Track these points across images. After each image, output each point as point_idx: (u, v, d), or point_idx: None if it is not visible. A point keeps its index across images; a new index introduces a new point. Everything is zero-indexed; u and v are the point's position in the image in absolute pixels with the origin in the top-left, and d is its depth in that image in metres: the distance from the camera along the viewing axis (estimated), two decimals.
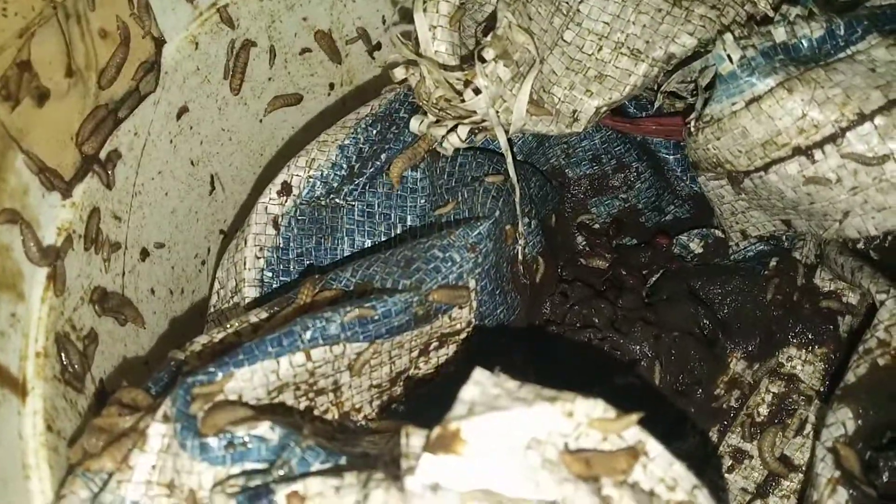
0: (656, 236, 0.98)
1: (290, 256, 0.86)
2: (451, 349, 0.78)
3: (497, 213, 0.79)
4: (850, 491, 0.61)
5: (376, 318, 0.68)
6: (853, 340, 0.82)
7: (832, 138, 0.67)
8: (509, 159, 0.81)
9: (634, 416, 0.53)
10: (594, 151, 1.00)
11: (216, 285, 0.88)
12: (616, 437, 0.53)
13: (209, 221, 0.98)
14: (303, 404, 0.68)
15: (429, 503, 0.48)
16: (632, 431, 0.54)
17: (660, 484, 0.54)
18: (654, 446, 0.54)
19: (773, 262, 0.89)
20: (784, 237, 0.92)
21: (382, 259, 0.75)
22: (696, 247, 0.98)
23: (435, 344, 0.76)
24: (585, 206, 1.02)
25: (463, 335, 0.78)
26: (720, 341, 0.87)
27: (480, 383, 0.54)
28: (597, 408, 0.53)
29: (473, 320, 0.78)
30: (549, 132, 0.81)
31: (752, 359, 0.87)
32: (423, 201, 0.89)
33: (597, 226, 1.01)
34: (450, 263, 0.73)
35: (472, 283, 0.75)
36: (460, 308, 0.76)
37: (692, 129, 0.76)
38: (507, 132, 0.80)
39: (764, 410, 0.86)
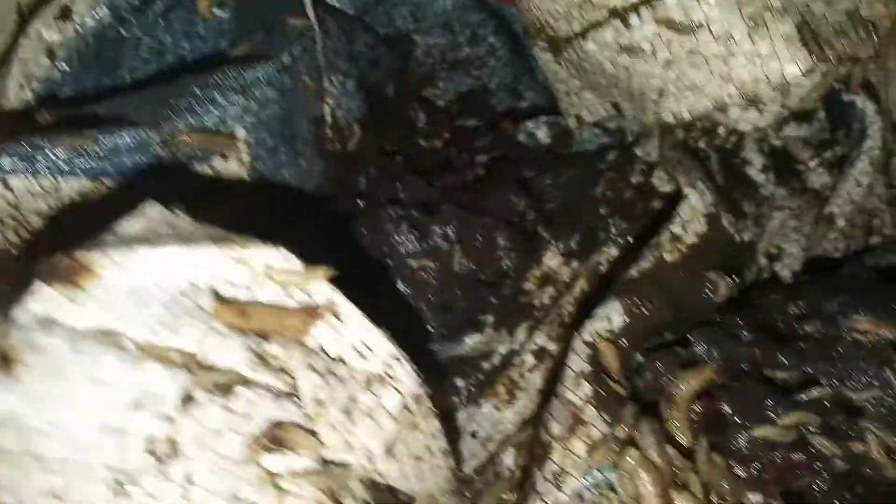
0: (502, 120, 0.89)
1: (64, 93, 0.75)
2: (222, 205, 0.69)
3: (288, 58, 0.69)
4: (596, 388, 0.55)
5: (100, 152, 0.58)
6: None
7: (647, 0, 0.58)
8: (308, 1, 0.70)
9: (321, 271, 0.46)
10: (446, 18, 0.89)
11: None
12: (301, 294, 0.46)
13: None
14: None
15: (35, 338, 0.41)
16: (322, 290, 0.47)
17: (351, 351, 0.47)
18: (347, 309, 0.47)
19: (610, 156, 0.81)
20: (629, 132, 0.83)
21: (139, 94, 0.65)
22: (543, 136, 0.89)
23: (200, 198, 0.67)
24: (433, 79, 0.92)
25: (238, 192, 0.69)
26: (539, 235, 0.80)
27: (148, 217, 0.46)
28: (276, 257, 0.45)
29: (246, 177, 0.69)
30: None
31: (571, 256, 0.80)
32: (226, 45, 0.78)
33: (441, 103, 0.91)
34: (209, 104, 0.64)
35: (240, 132, 0.66)
36: (223, 158, 0.67)
37: None
38: None
39: (574, 312, 0.79)
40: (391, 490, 0.54)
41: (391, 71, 0.88)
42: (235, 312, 0.43)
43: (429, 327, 0.76)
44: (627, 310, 0.58)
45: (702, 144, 0.77)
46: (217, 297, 0.43)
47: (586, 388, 0.55)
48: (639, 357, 0.59)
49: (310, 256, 0.47)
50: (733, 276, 0.61)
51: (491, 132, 0.88)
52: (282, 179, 0.72)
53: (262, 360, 0.44)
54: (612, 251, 0.81)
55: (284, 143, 0.71)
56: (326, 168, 0.77)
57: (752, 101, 0.59)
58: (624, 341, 0.58)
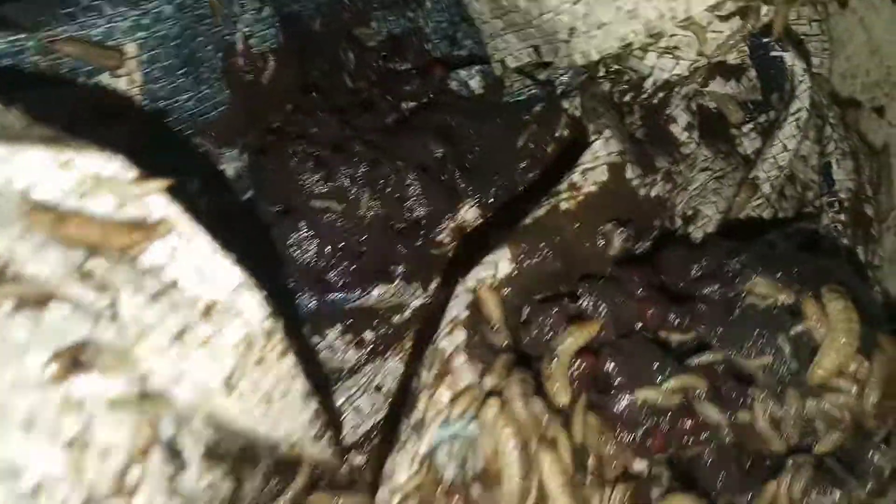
0: (434, 65, 0.85)
1: None
2: (112, 127, 0.65)
3: None
4: (470, 336, 0.52)
5: None
6: None
7: None
8: None
9: (156, 182, 0.42)
10: None
11: None
12: (136, 207, 0.43)
13: None
14: None
15: None
16: (159, 204, 0.43)
17: (191, 274, 0.44)
18: (188, 228, 0.43)
19: (537, 108, 0.77)
20: (557, 84, 0.80)
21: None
22: (475, 85, 0.85)
23: (87, 116, 0.63)
24: (366, 17, 0.88)
25: (128, 113, 0.65)
26: (456, 185, 0.76)
27: None
28: (110, 165, 0.42)
29: (141, 98, 0.65)
30: None
31: (487, 208, 0.76)
32: None
33: (372, 43, 0.87)
34: (95, 14, 0.60)
35: (130, 48, 0.62)
36: (113, 74, 0.62)
37: None
38: None
39: None
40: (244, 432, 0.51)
41: (319, 3, 0.83)
42: (53, 220, 0.40)
43: (332, 274, 0.73)
44: (516, 258, 0.55)
45: (627, 98, 0.74)
46: (32, 201, 0.40)
47: (460, 336, 0.52)
48: (526, 307, 0.57)
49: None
50: (629, 229, 0.57)
51: (420, 78, 0.84)
52: (180, 105, 0.68)
53: (83, 274, 0.41)
54: (531, 206, 0.78)
55: (184, 65, 0.66)
56: (235, 99, 0.73)
57: (666, 48, 0.56)
58: (510, 290, 0.55)
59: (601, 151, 0.58)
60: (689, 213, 0.69)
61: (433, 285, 0.78)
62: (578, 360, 0.55)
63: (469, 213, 0.77)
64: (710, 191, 0.69)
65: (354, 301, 0.75)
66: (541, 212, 0.57)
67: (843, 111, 0.78)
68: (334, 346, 0.78)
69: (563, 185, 0.58)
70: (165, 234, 0.43)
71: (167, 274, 0.43)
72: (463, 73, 0.85)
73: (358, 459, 0.75)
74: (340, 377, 0.79)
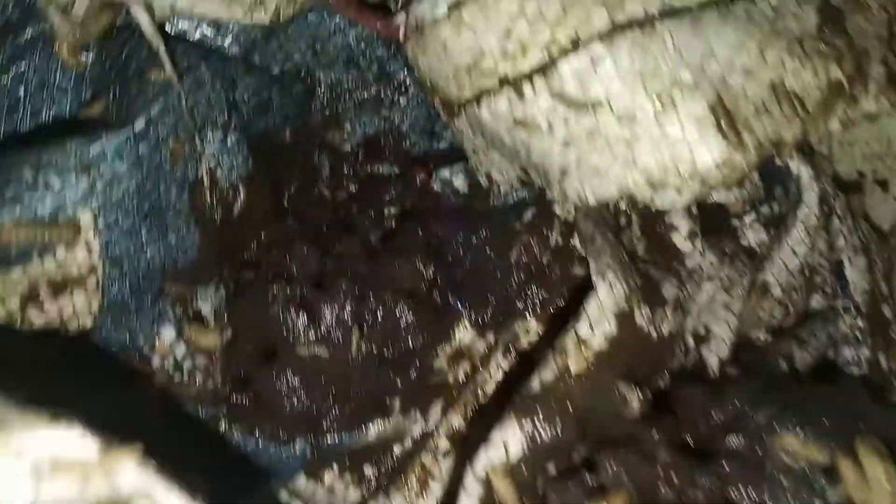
0: (415, 167, 0.81)
1: None
2: (76, 300, 0.60)
3: (142, 124, 0.59)
4: None
5: None
6: None
7: (542, 70, 0.49)
8: (160, 48, 0.60)
9: (125, 453, 0.37)
10: (349, 52, 0.80)
11: None
12: (104, 483, 0.38)
13: None
14: None
15: None
16: (130, 475, 0.38)
17: None
18: (166, 495, 0.39)
19: (528, 215, 0.73)
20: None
21: None
22: (460, 184, 0.80)
23: (47, 292, 0.58)
24: (338, 121, 0.83)
25: (91, 282, 0.60)
26: (449, 305, 0.72)
27: None
28: (67, 442, 0.37)
29: (98, 264, 0.59)
30: (227, 18, 0.61)
31: (484, 328, 0.72)
32: (89, 96, 0.68)
33: (347, 147, 0.82)
34: (42, 190, 0.54)
35: (85, 217, 0.57)
36: (69, 249, 0.57)
37: (401, 36, 0.57)
38: (152, 11, 0.59)
39: (491, 390, 0.72)
40: None
41: (286, 114, 0.78)
42: None
43: (325, 421, 0.68)
44: (526, 433, 0.51)
45: (623, 206, 0.70)
46: None
47: None
48: (542, 483, 0.53)
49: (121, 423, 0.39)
50: (647, 387, 0.53)
51: (402, 181, 0.79)
52: (150, 262, 0.62)
53: None
54: (531, 323, 0.74)
55: (146, 220, 0.61)
56: (205, 238, 0.67)
57: (663, 188, 0.52)
58: (524, 468, 0.51)
59: (607, 301, 0.53)
60: (701, 331, 0.65)
61: (433, 412, 0.74)
62: None
63: (465, 336, 0.72)
64: (720, 305, 0.65)
65: (351, 442, 0.71)
66: (548, 375, 0.52)
67: (848, 197, 0.74)
68: (334, 488, 0.73)
69: (570, 341, 0.53)
70: None
71: None
72: (445, 172, 0.80)
73: None
74: None
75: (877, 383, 0.63)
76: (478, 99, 0.54)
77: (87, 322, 0.61)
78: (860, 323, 0.66)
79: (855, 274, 0.68)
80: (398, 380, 0.70)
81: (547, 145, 0.52)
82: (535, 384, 0.53)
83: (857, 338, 0.65)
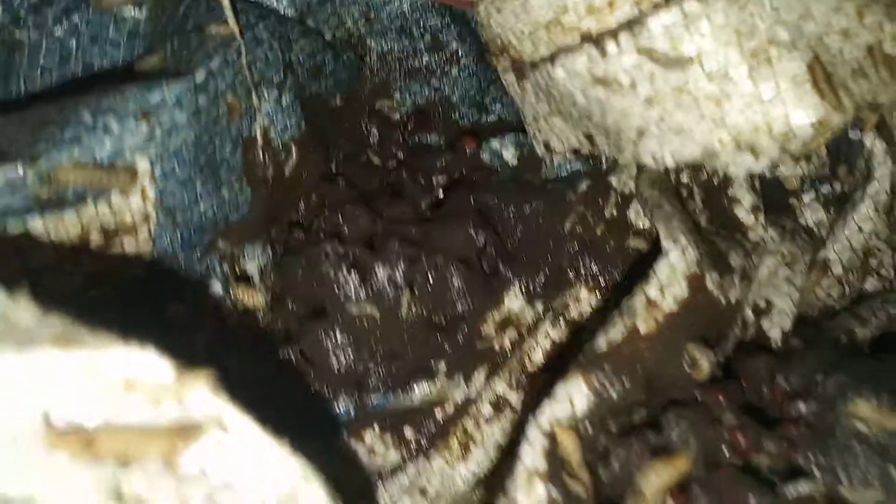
0: (464, 137, 0.80)
1: None
2: (127, 247, 0.60)
3: (203, 75, 0.59)
4: (549, 486, 0.46)
5: None
6: None
7: (629, 25, 0.48)
8: (226, 2, 0.59)
9: (199, 378, 0.36)
10: (402, 21, 0.79)
11: None
12: (175, 405, 0.37)
13: None
14: None
15: None
16: (201, 399, 0.37)
17: (242, 472, 0.38)
18: (238, 421, 0.37)
19: (582, 187, 0.71)
20: (604, 158, 0.74)
21: (19, 116, 0.55)
22: (510, 156, 0.79)
23: (99, 238, 0.57)
24: (388, 90, 0.82)
25: (143, 231, 0.59)
26: (499, 273, 0.71)
27: None
28: (141, 361, 0.36)
29: (153, 213, 0.59)
30: None
31: (534, 297, 0.70)
32: (142, 51, 0.67)
33: (396, 116, 0.81)
34: (101, 133, 0.53)
35: (142, 165, 0.56)
36: (124, 195, 0.57)
37: None
38: None
39: (538, 358, 0.71)
40: None
41: (338, 80, 0.77)
42: (79, 444, 0.34)
43: (370, 380, 0.67)
44: (593, 389, 0.50)
45: (685, 179, 0.68)
46: (53, 427, 0.34)
47: (539, 490, 0.46)
48: (604, 441, 0.51)
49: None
50: (717, 350, 0.52)
51: (451, 151, 0.78)
52: (202, 215, 0.62)
53: (118, 496, 0.35)
54: (582, 293, 0.72)
55: (201, 172, 0.61)
56: (257, 197, 0.67)
57: (749, 150, 0.50)
58: (587, 425, 0.50)
59: (679, 264, 0.52)
60: (762, 304, 0.63)
61: (477, 378, 0.73)
62: (667, 500, 0.49)
63: (514, 303, 0.71)
64: (783, 279, 0.63)
65: (395, 402, 0.70)
66: (616, 335, 0.51)
67: None
68: (374, 448, 0.72)
69: (639, 302, 0.52)
70: (211, 430, 0.37)
71: (217, 475, 0.37)
72: (495, 143, 0.79)
73: None
74: (382, 479, 0.74)
75: None
76: (553, 57, 0.53)
77: (137, 272, 0.61)
78: None
79: None
80: (445, 343, 0.69)
81: (627, 103, 0.51)
82: (601, 343, 0.51)
83: None
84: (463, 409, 0.74)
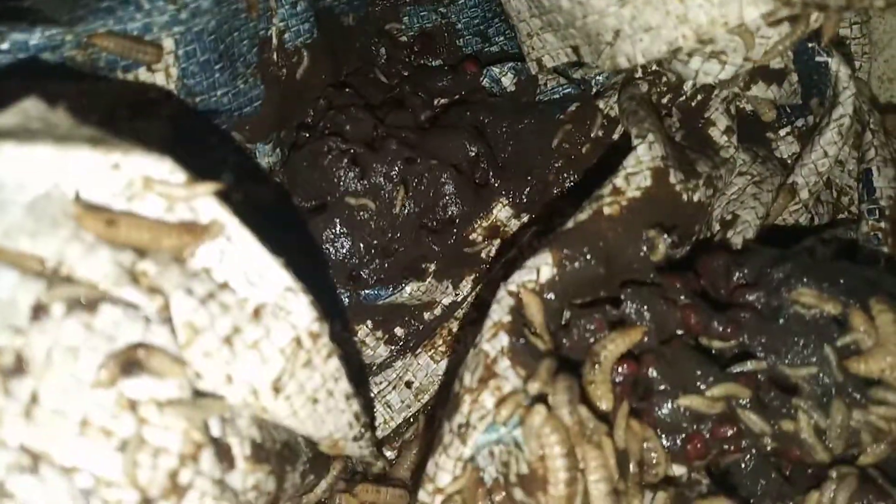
0: (464, 61, 0.85)
1: None
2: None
3: None
4: (513, 339, 0.51)
5: (8, 48, 0.54)
6: None
7: None
8: None
9: (206, 186, 0.42)
10: None
11: None
12: (185, 209, 0.42)
13: None
14: None
15: None
16: (208, 207, 0.43)
17: (240, 277, 0.43)
18: (237, 231, 0.43)
19: (571, 108, 0.76)
20: (593, 83, 0.79)
21: None
22: (508, 82, 0.84)
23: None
24: (397, 13, 0.87)
25: (165, 109, 0.65)
26: (490, 184, 0.76)
27: (24, 113, 0.41)
28: (159, 167, 0.41)
29: (176, 92, 0.64)
30: None
31: (520, 208, 0.76)
32: None
33: (404, 38, 0.86)
34: (132, 8, 0.59)
35: (167, 43, 0.61)
36: (150, 70, 0.62)
37: None
38: None
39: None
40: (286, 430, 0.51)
41: (351, 0, 0.82)
42: (103, 221, 0.39)
43: (364, 271, 0.72)
44: (558, 262, 0.55)
45: (665, 101, 0.73)
46: (82, 202, 0.39)
47: (503, 340, 0.51)
48: (567, 313, 0.56)
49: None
50: (673, 235, 0.57)
51: (452, 73, 0.83)
52: (220, 103, 0.67)
53: (133, 276, 0.40)
54: (566, 209, 0.77)
55: (220, 60, 0.66)
56: (269, 94, 0.72)
57: (712, 52, 0.55)
58: (551, 295, 0.55)
59: (645, 156, 0.57)
60: (728, 217, 0.68)
61: (464, 283, 0.78)
62: (620, 366, 0.54)
63: (502, 213, 0.77)
64: (749, 196, 0.68)
65: (386, 297, 0.75)
66: (583, 216, 0.56)
67: (884, 116, 0.76)
68: (366, 341, 0.78)
69: (606, 190, 0.57)
70: (215, 237, 0.42)
71: (217, 276, 0.43)
72: (495, 69, 0.84)
73: (389, 454, 0.75)
74: (371, 372, 0.79)
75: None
76: None
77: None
78: (882, 224, 0.69)
79: (882, 182, 0.71)
80: (435, 246, 0.74)
81: (604, 3, 0.55)
82: (569, 224, 0.57)
83: (878, 237, 0.68)
84: (449, 312, 0.80)
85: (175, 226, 0.41)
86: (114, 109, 0.60)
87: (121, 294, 0.39)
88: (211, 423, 0.41)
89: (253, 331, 0.43)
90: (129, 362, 0.37)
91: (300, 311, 0.45)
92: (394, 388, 0.78)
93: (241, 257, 0.43)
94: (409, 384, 0.78)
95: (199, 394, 0.41)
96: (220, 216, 0.42)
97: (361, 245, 0.71)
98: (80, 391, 0.37)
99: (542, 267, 0.55)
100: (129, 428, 0.38)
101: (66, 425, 0.36)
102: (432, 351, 0.77)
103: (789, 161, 0.76)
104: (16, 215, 0.38)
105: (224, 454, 0.43)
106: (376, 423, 0.77)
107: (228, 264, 0.43)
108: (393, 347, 0.78)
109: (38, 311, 0.37)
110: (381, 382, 0.78)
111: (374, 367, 0.79)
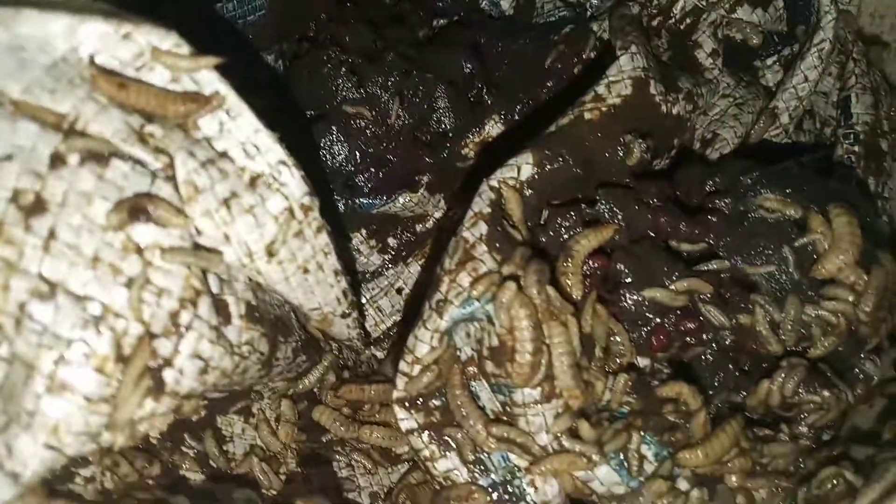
0: None
1: None
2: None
3: None
4: (491, 228, 0.55)
5: None
6: None
7: None
8: None
9: (210, 59, 0.45)
10: None
11: None
12: (189, 80, 0.46)
13: None
14: None
15: None
16: (209, 80, 0.46)
17: (237, 148, 0.47)
18: (236, 104, 0.47)
19: (566, 29, 0.79)
20: (589, 6, 0.81)
21: None
22: (506, 5, 0.87)
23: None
24: None
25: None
26: (483, 101, 0.79)
27: None
28: (166, 39, 0.45)
29: None
30: None
31: (512, 125, 0.79)
32: None
33: None
34: None
35: None
36: None
37: None
38: None
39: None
40: (280, 303, 0.56)
41: None
42: (115, 85, 0.43)
43: (359, 178, 0.76)
44: (538, 162, 0.58)
45: (655, 23, 0.75)
46: (96, 66, 0.43)
47: (482, 228, 0.55)
48: (545, 213, 0.60)
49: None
50: (649, 141, 0.60)
51: None
52: (221, 6, 0.70)
53: (140, 137, 0.44)
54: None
55: None
56: (273, 4, 0.75)
57: None
58: (530, 192, 0.58)
59: (627, 66, 0.60)
60: (708, 136, 0.72)
61: (455, 197, 0.82)
62: (592, 260, 0.58)
63: (494, 129, 0.80)
64: (730, 116, 0.71)
65: (380, 207, 0.79)
66: (565, 120, 0.59)
67: (868, 48, 0.79)
68: (360, 249, 0.82)
69: (589, 96, 0.60)
70: (217, 108, 0.46)
71: (217, 145, 0.47)
72: None
73: (378, 354, 0.80)
74: (364, 279, 0.84)
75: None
76: None
77: None
78: (857, 149, 0.72)
79: (860, 108, 0.73)
80: (428, 158, 0.77)
81: None
82: (552, 127, 0.60)
83: (852, 160, 0.71)
84: (439, 224, 0.84)
85: (180, 94, 0.44)
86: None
87: (130, 151, 0.43)
88: (210, 280, 0.45)
89: (249, 197, 0.47)
90: (137, 209, 0.41)
91: (293, 183, 0.48)
92: (385, 294, 0.82)
93: (240, 130, 0.47)
94: (399, 291, 0.82)
95: (199, 246, 0.45)
96: (221, 89, 0.46)
97: (357, 153, 0.75)
98: (92, 232, 0.41)
99: (523, 165, 0.58)
100: (135, 268, 0.42)
101: (80, 260, 0.41)
102: (423, 260, 0.81)
103: (774, 89, 0.79)
104: (36, 74, 0.42)
105: (221, 308, 0.47)
106: (368, 326, 0.81)
107: (227, 136, 0.47)
108: (385, 256, 0.82)
109: (56, 160, 0.41)
110: (373, 289, 0.82)
111: (367, 275, 0.83)
